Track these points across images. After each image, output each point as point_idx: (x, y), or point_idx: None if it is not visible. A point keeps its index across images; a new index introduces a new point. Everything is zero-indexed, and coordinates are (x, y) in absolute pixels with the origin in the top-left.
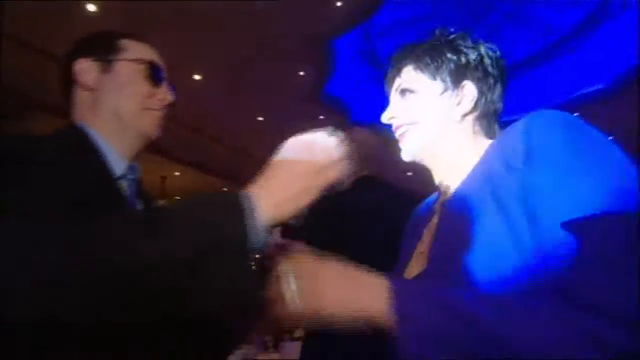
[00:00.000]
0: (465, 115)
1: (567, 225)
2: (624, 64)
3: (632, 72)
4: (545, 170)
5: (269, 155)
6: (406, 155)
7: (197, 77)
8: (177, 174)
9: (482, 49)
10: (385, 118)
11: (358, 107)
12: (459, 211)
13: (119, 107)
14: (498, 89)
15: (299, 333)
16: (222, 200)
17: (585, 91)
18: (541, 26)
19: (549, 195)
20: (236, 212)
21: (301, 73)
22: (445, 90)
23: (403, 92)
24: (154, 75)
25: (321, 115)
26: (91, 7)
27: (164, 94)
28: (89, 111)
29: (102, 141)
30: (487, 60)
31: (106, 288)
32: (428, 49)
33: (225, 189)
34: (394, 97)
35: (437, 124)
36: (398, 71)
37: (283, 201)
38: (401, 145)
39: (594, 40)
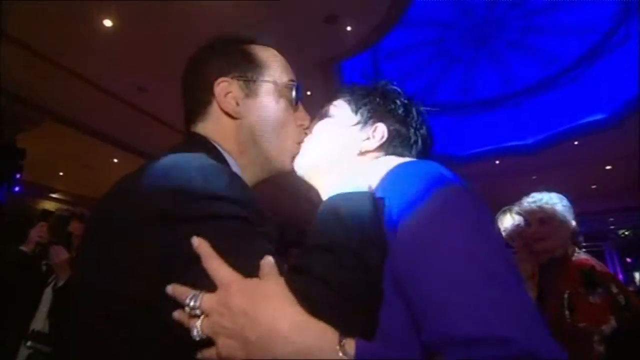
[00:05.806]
0: (368, 152)
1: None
2: (625, 94)
3: (633, 102)
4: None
5: None
6: (298, 167)
7: None
8: None
9: (412, 109)
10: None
11: None
12: None
13: (267, 145)
14: (413, 149)
15: None
16: None
17: (585, 120)
18: (544, 56)
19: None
20: None
21: (308, 93)
22: (359, 123)
23: (323, 114)
24: (297, 97)
25: None
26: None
27: (303, 117)
28: (229, 137)
29: (237, 168)
30: (411, 120)
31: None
32: (366, 91)
33: None
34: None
35: (337, 147)
36: (334, 98)
37: None
38: (298, 155)
39: (595, 71)
